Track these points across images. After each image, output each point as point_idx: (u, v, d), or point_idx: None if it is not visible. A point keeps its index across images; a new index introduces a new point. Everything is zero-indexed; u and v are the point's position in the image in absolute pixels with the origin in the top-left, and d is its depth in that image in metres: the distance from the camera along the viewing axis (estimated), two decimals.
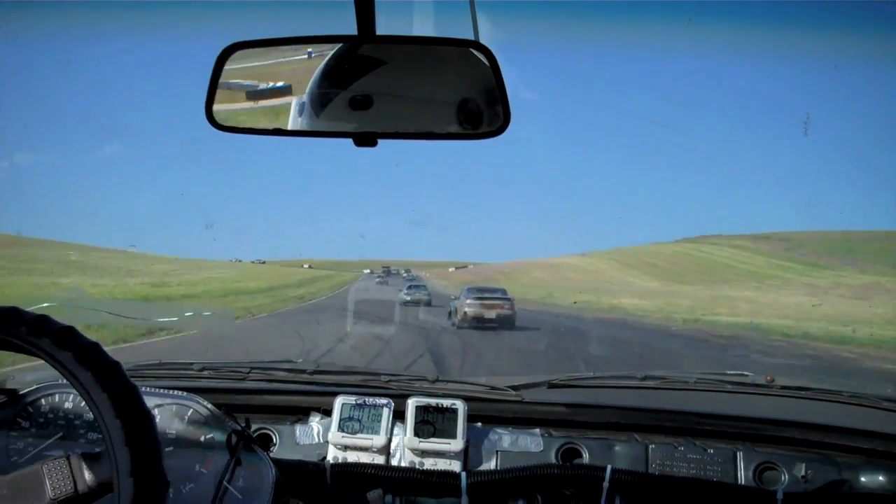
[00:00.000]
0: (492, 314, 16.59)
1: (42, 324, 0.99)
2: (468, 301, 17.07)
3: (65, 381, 1.66)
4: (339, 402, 1.80)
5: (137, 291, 29.84)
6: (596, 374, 2.20)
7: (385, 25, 1.15)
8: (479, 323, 16.23)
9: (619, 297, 39.16)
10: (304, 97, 1.27)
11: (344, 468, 1.72)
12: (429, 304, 23.68)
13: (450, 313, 17.82)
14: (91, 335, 1.01)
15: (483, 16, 1.29)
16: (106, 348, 1.01)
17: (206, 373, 2.01)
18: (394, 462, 1.77)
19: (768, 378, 2.06)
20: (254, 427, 1.79)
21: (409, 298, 24.22)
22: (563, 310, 28.76)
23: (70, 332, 0.99)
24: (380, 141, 1.22)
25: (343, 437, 1.76)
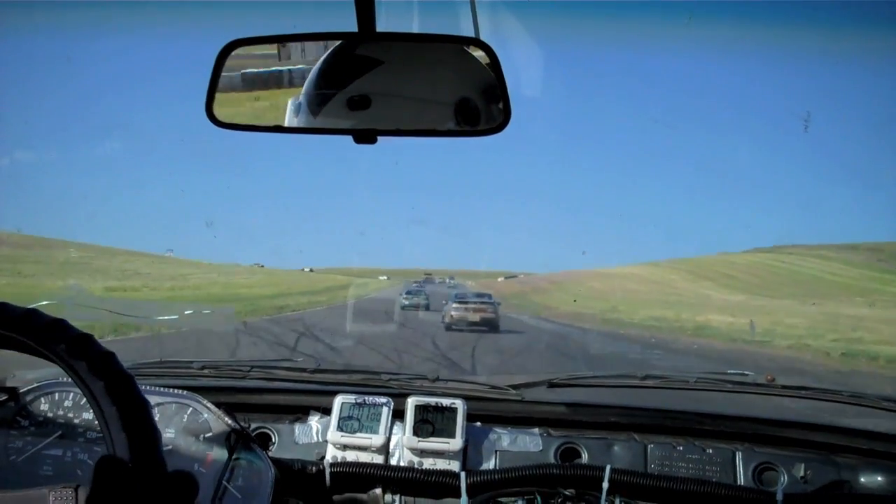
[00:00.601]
0: (475, 317, 17.97)
1: (31, 319, 0.99)
2: (454, 305, 18.67)
3: (65, 379, 1.67)
4: (338, 401, 1.80)
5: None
6: (596, 373, 2.20)
7: (385, 22, 1.15)
8: (465, 325, 17.56)
9: (703, 312, 30.09)
10: (304, 94, 1.27)
11: (343, 467, 1.72)
12: (427, 308, 25.17)
13: (443, 317, 18.99)
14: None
15: (483, 12, 1.29)
16: None
17: (206, 371, 2.01)
18: (393, 461, 1.77)
19: (768, 377, 2.06)
20: (253, 426, 1.79)
21: (407, 303, 25.62)
22: (635, 329, 22.14)
23: (61, 324, 0.99)
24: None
25: (342, 436, 1.76)
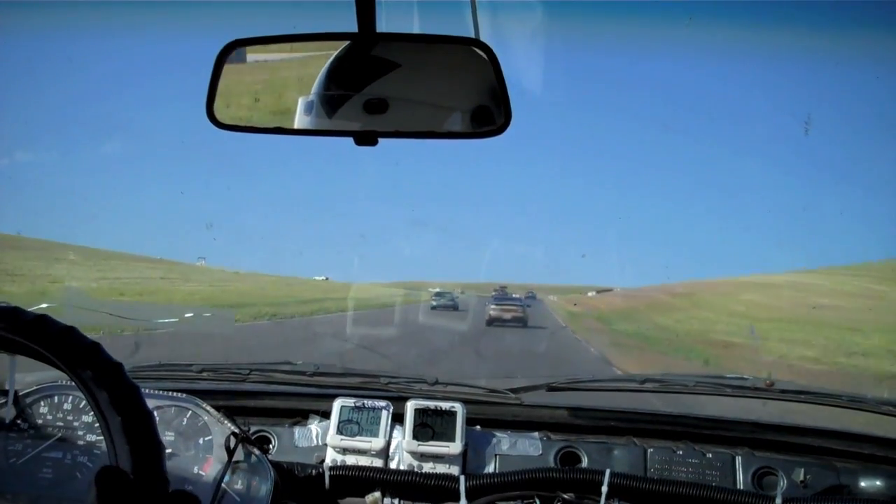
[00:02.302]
0: (507, 316, 21.89)
1: (42, 325, 0.98)
2: (492, 307, 22.98)
3: (64, 382, 1.66)
4: (337, 404, 1.80)
5: None
6: (595, 377, 2.19)
7: (385, 23, 1.15)
8: (500, 322, 21.33)
9: None
10: (304, 95, 1.27)
11: (342, 471, 1.72)
12: (455, 308, 28.24)
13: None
14: None
15: (484, 13, 1.29)
16: None
17: (205, 374, 2.01)
18: (392, 465, 1.77)
19: (767, 382, 2.06)
20: (252, 429, 1.79)
21: (435, 303, 28.78)
22: None
23: (71, 332, 0.98)
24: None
25: (342, 439, 1.76)
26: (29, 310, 1.02)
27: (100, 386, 0.95)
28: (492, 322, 21.57)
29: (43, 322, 0.98)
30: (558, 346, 17.39)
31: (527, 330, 20.44)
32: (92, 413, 1.58)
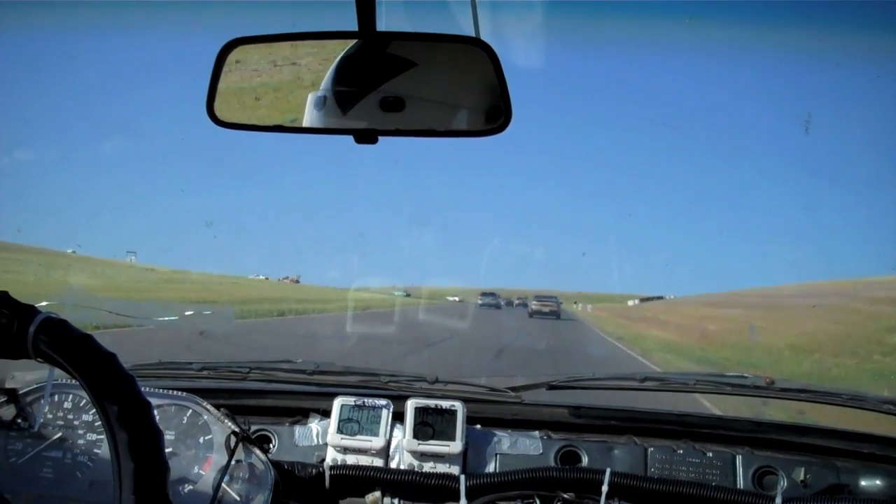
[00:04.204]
0: (546, 309, 31.15)
1: (87, 346, 0.95)
2: (533, 303, 32.90)
3: (64, 381, 1.66)
4: (338, 403, 1.80)
5: None
6: (596, 375, 2.19)
7: (385, 22, 1.15)
8: (540, 315, 29.93)
9: None
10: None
11: (342, 470, 1.72)
12: (498, 307, 36.09)
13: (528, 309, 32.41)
14: None
15: (484, 12, 1.29)
16: None
17: (205, 373, 2.00)
18: (393, 464, 1.77)
19: (767, 380, 2.06)
20: (253, 428, 1.79)
21: (481, 303, 36.33)
22: None
23: (111, 360, 0.95)
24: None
25: (342, 438, 1.76)
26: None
27: (122, 426, 0.91)
28: (533, 314, 30.69)
29: (85, 344, 0.94)
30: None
31: None
32: (93, 412, 1.58)
